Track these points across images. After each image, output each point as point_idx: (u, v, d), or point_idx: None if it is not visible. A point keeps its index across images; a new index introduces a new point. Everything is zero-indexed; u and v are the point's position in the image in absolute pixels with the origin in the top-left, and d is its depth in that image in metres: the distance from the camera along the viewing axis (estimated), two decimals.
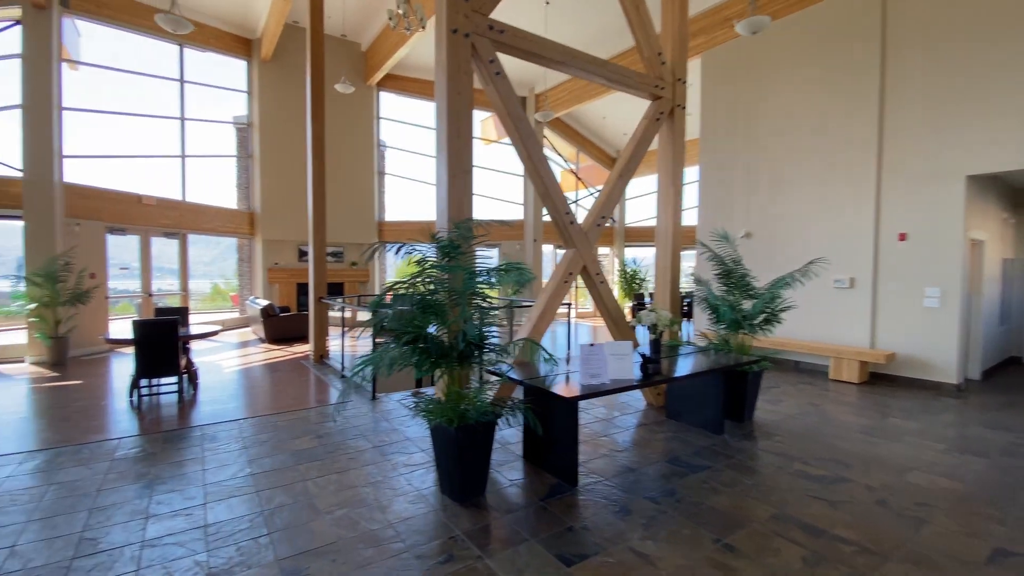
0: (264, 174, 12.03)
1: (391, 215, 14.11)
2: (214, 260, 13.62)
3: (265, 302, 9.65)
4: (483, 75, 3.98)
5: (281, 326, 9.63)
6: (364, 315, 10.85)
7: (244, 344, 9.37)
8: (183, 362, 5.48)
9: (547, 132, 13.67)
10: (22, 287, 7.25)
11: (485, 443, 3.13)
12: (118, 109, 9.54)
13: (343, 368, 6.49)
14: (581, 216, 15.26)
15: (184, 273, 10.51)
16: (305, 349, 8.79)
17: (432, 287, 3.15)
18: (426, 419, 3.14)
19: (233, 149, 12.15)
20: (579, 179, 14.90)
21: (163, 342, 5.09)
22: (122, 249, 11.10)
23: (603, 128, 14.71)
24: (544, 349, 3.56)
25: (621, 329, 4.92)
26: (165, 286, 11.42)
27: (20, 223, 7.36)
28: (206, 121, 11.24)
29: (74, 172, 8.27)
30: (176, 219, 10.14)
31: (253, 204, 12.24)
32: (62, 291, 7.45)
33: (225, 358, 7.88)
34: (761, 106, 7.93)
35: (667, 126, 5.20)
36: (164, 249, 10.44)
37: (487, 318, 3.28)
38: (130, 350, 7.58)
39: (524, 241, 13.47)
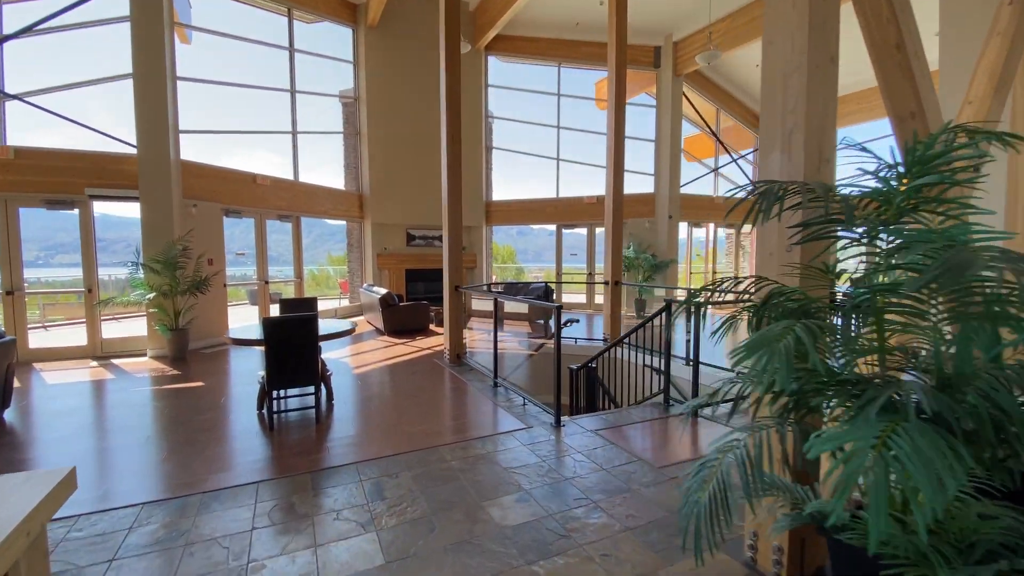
0: (373, 152, 11.10)
1: (499, 194, 12.77)
2: (309, 245, 13.06)
3: (383, 290, 8.66)
4: None
5: (401, 317, 8.61)
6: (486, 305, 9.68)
7: (360, 337, 8.45)
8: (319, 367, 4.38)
9: (685, 89, 11.56)
10: (141, 274, 6.65)
11: None
12: (227, 80, 8.86)
13: (496, 377, 5.16)
14: (721, 188, 12.97)
15: (298, 259, 9.82)
16: (432, 344, 7.66)
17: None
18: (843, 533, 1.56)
19: (340, 126, 11.33)
20: (721, 143, 12.64)
21: (302, 344, 3.97)
22: (234, 233, 10.64)
23: (753, 79, 12.29)
24: None
25: None
26: (273, 272, 10.92)
27: (136, 204, 6.76)
28: (314, 94, 10.43)
29: (185, 149, 7.63)
30: (289, 201, 9.42)
31: (362, 185, 11.39)
32: (181, 279, 6.79)
33: (349, 355, 6.90)
34: None
35: None
36: (271, 233, 9.83)
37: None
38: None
39: (655, 218, 11.57)
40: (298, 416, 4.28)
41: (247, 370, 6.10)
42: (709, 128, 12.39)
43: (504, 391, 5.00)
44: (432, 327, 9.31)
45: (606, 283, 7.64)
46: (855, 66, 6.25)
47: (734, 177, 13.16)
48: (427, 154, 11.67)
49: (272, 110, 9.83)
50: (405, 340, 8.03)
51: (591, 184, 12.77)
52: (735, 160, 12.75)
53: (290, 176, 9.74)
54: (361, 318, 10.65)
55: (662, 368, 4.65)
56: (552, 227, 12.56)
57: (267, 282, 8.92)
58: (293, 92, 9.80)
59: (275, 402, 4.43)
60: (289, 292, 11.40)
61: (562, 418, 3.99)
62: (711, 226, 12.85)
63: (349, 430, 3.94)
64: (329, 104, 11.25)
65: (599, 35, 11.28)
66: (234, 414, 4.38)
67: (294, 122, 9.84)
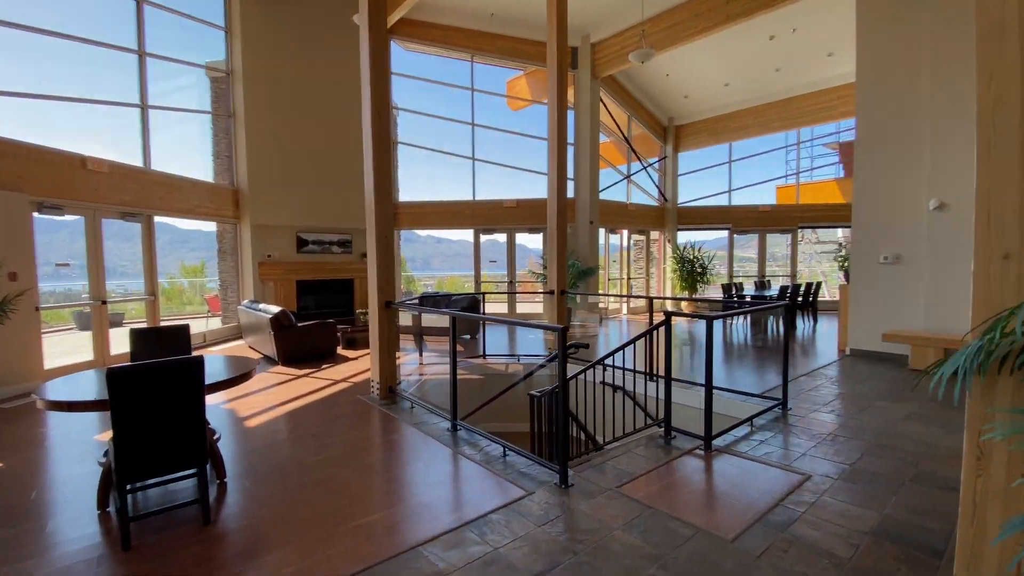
0: (253, 139, 9.15)
1: (407, 194, 11.46)
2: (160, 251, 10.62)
3: (275, 308, 6.93)
4: None
5: (300, 341, 6.96)
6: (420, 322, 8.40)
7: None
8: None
9: (602, 94, 11.37)
10: None
11: None
12: (39, 25, 6.49)
13: (455, 418, 4.03)
14: (637, 196, 13.05)
15: (151, 272, 7.56)
16: (347, 373, 6.20)
17: None
18: None
19: (207, 104, 9.18)
20: (634, 150, 12.70)
21: (177, 407, 2.51)
22: (53, 238, 8.17)
23: (664, 89, 12.54)
24: None
25: None
26: (112, 286, 8.54)
27: None
28: (172, 60, 8.24)
29: None
30: (137, 195, 7.20)
31: (238, 179, 9.34)
32: None
33: (235, 397, 5.20)
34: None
35: None
36: (108, 239, 7.51)
37: None
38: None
39: (576, 224, 11.17)
40: (170, 517, 2.76)
41: (77, 435, 4.19)
42: (623, 134, 12.39)
43: (466, 435, 3.91)
44: (341, 351, 7.75)
45: (551, 292, 6.88)
46: None
47: (645, 185, 13.36)
48: (325, 144, 10.02)
49: (113, 82, 7.52)
50: (309, 371, 6.44)
51: (506, 187, 12.05)
52: (645, 168, 12.95)
53: (138, 163, 7.50)
54: (240, 343, 8.62)
55: (628, 389, 3.96)
56: (468, 232, 11.60)
57: (105, 302, 6.66)
58: (142, 55, 7.58)
59: (131, 496, 2.86)
60: (138, 314, 8.98)
61: (568, 472, 3.04)
62: (624, 232, 12.86)
63: (262, 534, 2.57)
64: (194, 78, 9.06)
65: (515, 28, 10.62)
66: (57, 520, 2.71)
67: (144, 94, 7.61)
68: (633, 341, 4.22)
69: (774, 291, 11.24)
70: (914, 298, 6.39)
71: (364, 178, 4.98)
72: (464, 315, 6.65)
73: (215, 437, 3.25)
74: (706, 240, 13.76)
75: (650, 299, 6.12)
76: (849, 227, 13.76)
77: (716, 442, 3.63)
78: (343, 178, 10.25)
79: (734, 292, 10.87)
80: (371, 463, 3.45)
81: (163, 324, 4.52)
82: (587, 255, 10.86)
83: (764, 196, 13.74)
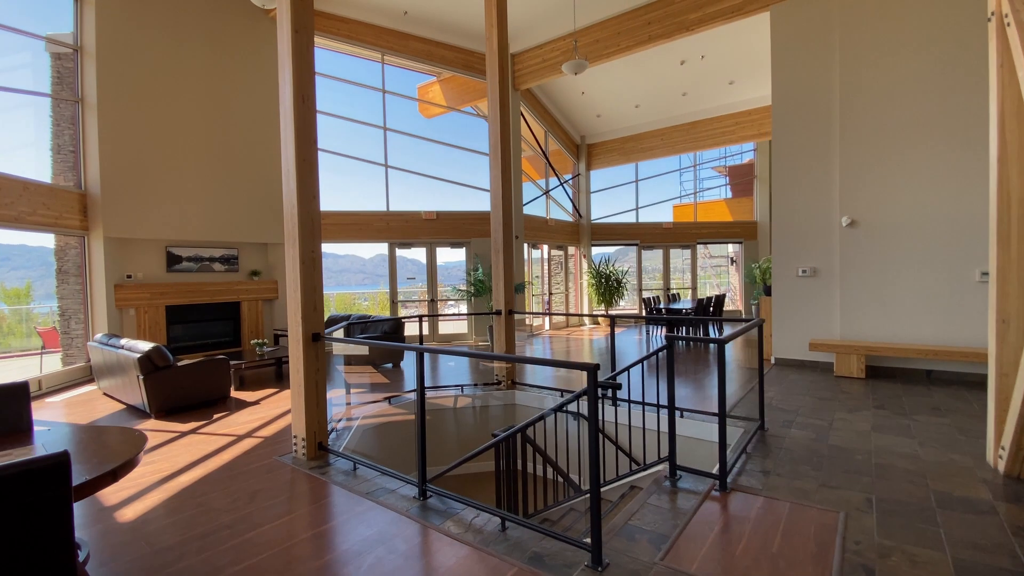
0: (107, 133, 7.33)
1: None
2: None
3: (145, 344, 5.38)
4: None
5: (181, 385, 5.47)
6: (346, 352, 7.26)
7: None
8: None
9: (521, 107, 11.09)
10: None
11: None
12: None
13: (425, 482, 3.18)
14: (554, 211, 12.91)
15: None
16: (250, 424, 4.93)
17: None
18: None
19: (46, 86, 7.18)
20: (551, 165, 12.58)
21: (27, 555, 1.43)
22: None
23: (578, 107, 12.61)
24: None
25: None
26: None
27: None
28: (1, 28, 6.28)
29: None
30: None
31: (86, 180, 7.41)
32: None
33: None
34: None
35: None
36: None
37: None
38: None
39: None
40: None
41: None
42: (541, 148, 12.23)
43: (439, 502, 3.11)
44: (234, 392, 6.31)
45: (498, 312, 6.26)
46: None
47: (562, 200, 13.33)
48: (206, 142, 8.44)
49: None
50: (197, 424, 5.03)
51: (422, 199, 11.20)
52: (562, 184, 12.93)
53: None
54: (91, 388, 6.71)
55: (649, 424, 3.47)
56: (360, 246, 10.56)
57: None
58: None
59: None
60: None
61: (601, 550, 2.40)
62: (545, 247, 12.66)
63: None
64: (29, 55, 7.03)
65: (430, 30, 9.95)
66: None
67: None
68: (639, 362, 3.75)
69: (686, 303, 11.72)
70: (832, 308, 6.82)
71: (283, 178, 3.94)
72: (448, 351, 5.78)
73: (81, 560, 2.10)
74: (612, 254, 14.16)
75: (611, 316, 5.78)
76: (740, 242, 15.13)
77: (744, 478, 3.27)
78: (229, 183, 8.68)
79: (652, 306, 11.12)
80: (321, 571, 2.47)
81: None
82: (514, 270, 10.37)
83: (664, 214, 14.52)
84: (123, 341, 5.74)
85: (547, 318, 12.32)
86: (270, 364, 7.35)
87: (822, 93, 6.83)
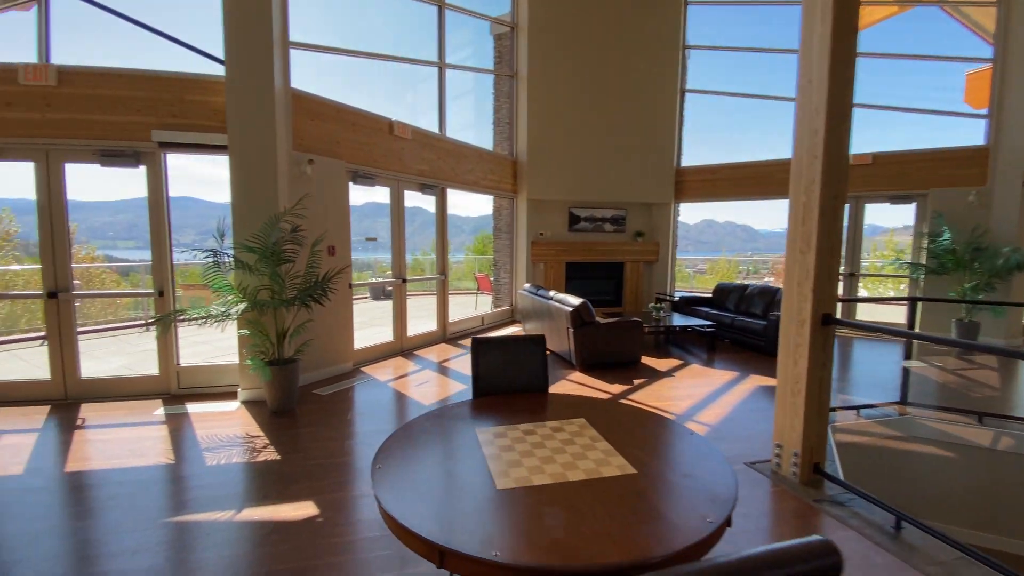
0: (534, 104, 8.04)
1: (690, 158, 9.10)
2: (411, 233, 10.63)
3: (575, 299, 5.52)
4: None
5: (599, 342, 5.43)
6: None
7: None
8: None
9: None
10: (229, 269, 4.07)
11: None
12: None
13: None
14: None
15: (443, 248, 7.03)
16: (664, 402, 4.36)
17: None
18: None
19: (489, 64, 8.40)
20: None
21: None
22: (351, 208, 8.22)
23: None
24: None
25: None
26: (385, 259, 8.39)
27: (226, 158, 4.20)
28: (469, 13, 7.53)
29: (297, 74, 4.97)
30: (432, 164, 6.62)
31: (516, 148, 8.40)
32: (287, 278, 4.16)
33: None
34: None
35: None
36: (362, 217, 7.13)
37: None
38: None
39: (994, 178, 7.19)
40: None
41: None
42: None
43: None
44: (644, 359, 6.03)
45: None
46: None
47: None
48: (603, 104, 8.39)
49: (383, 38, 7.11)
50: (622, 389, 4.81)
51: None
52: None
53: (434, 129, 6.93)
54: (516, 329, 7.71)
55: None
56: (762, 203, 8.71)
57: (405, 280, 6.22)
58: (442, 5, 6.96)
59: None
60: (426, 292, 8.91)
61: None
62: None
63: None
64: (473, 36, 8.35)
65: None
66: None
67: (442, 51, 7.02)
68: None
69: None
70: None
71: (801, 101, 2.88)
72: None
73: None
74: None
75: None
76: None
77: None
78: (618, 145, 8.50)
79: None
80: None
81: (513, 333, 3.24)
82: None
83: None
84: (552, 292, 6.13)
85: None
86: (661, 331, 6.87)
87: None
